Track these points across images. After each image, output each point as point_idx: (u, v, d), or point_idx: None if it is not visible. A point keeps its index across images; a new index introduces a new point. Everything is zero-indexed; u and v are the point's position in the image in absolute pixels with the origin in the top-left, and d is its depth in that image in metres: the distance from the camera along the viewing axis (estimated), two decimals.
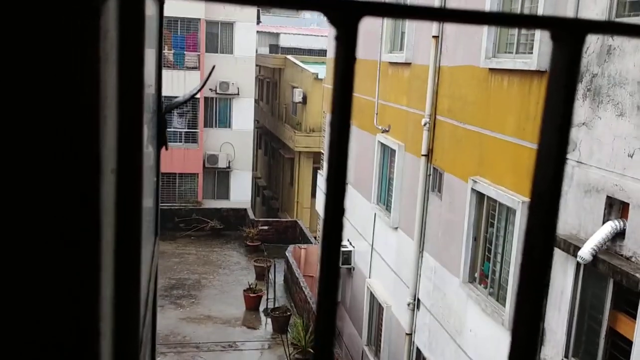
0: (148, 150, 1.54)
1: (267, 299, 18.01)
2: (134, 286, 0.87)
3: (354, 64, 0.40)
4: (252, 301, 18.16)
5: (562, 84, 0.45)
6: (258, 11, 27.90)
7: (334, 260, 0.44)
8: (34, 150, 0.52)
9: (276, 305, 17.73)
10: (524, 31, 8.24)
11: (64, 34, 0.50)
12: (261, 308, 18.21)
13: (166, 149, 1.90)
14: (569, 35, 0.44)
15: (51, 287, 0.55)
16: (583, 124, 6.79)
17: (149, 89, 1.59)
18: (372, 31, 13.70)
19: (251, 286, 18.44)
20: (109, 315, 0.72)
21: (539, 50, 7.50)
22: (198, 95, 25.89)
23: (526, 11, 8.18)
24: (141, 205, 0.89)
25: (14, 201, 0.53)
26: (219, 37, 26.93)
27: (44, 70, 0.50)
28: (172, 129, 26.32)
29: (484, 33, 8.80)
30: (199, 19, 26.00)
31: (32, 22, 0.49)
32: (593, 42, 6.64)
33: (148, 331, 1.54)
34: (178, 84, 25.37)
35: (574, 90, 0.46)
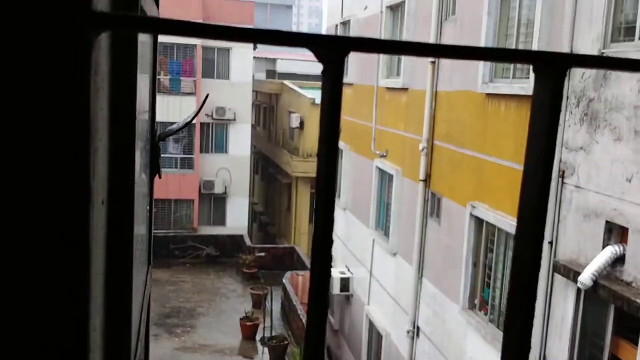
0: (141, 178, 1.50)
1: (264, 328, 17.80)
2: (125, 317, 0.85)
3: (341, 97, 0.40)
4: (249, 330, 17.94)
5: (545, 117, 0.46)
6: None
7: (324, 286, 0.45)
8: (23, 182, 0.52)
9: (273, 334, 17.51)
10: None
11: (55, 68, 0.51)
12: (258, 337, 17.98)
13: (159, 177, 1.85)
14: (551, 69, 0.45)
15: (39, 318, 0.55)
16: (581, 148, 6.78)
17: (143, 116, 1.56)
18: (368, 56, 13.78)
19: (247, 314, 18.24)
20: (99, 345, 0.70)
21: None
22: (194, 121, 25.93)
23: (522, 36, 8.23)
24: (132, 237, 0.88)
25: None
26: (215, 63, 27.09)
27: (35, 103, 0.51)
28: (167, 155, 26.31)
29: None
30: (195, 45, 26.18)
31: (25, 55, 0.50)
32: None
33: None
34: (174, 109, 25.43)
35: (557, 123, 0.46)
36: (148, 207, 1.80)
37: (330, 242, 0.44)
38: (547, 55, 0.46)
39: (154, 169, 1.81)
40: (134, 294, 1.01)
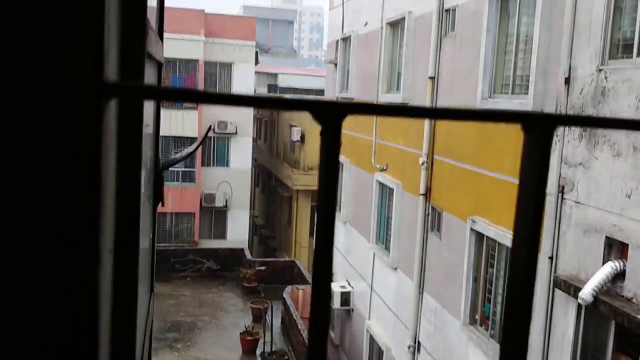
0: (144, 209, 1.53)
1: (264, 342, 17.72)
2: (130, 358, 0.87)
3: (338, 156, 0.44)
4: (249, 344, 17.87)
5: (534, 173, 0.48)
6: (256, 52, 28.29)
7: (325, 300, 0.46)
8: (39, 238, 0.55)
9: (273, 349, 17.43)
10: (519, 72, 8.34)
11: (68, 135, 0.53)
12: (258, 352, 17.90)
13: (162, 205, 1.88)
14: (539, 128, 0.48)
15: None
16: (580, 164, 6.80)
17: (147, 149, 1.59)
18: (369, 72, 13.87)
19: (248, 329, 18.17)
20: None
21: (535, 90, 7.57)
22: (196, 135, 26.02)
23: (521, 52, 8.29)
24: (137, 283, 0.91)
25: (11, 286, 0.55)
26: (217, 78, 27.23)
27: (49, 169, 0.54)
28: (169, 168, 26.34)
29: (480, 74, 8.90)
30: (198, 60, 26.33)
31: (41, 123, 0.53)
32: (587, 84, 6.70)
33: None
34: (176, 123, 25.52)
35: (545, 179, 0.49)
36: (151, 236, 1.82)
37: (330, 270, 0.47)
38: (535, 115, 0.49)
39: (157, 198, 1.84)
40: (137, 328, 1.04)
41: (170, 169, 26.46)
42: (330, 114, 0.42)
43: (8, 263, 0.54)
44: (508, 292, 0.51)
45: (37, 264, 0.55)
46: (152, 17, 1.74)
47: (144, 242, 1.53)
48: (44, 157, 0.53)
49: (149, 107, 1.59)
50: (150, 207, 1.73)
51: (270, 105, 0.43)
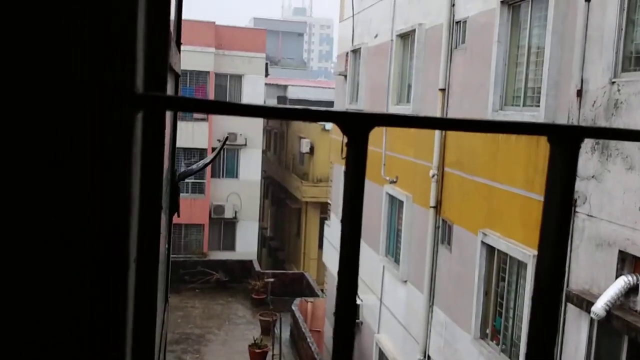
0: (163, 220, 1.52)
1: (273, 355, 17.64)
2: None
3: (365, 167, 0.44)
4: (258, 357, 17.78)
5: (560, 185, 0.48)
6: (266, 64, 28.42)
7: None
8: (73, 249, 0.56)
9: None
10: (530, 84, 8.30)
11: (100, 142, 0.55)
12: None
13: (178, 215, 1.87)
14: (565, 140, 0.48)
15: None
16: (592, 177, 6.74)
17: (165, 160, 1.60)
18: (379, 83, 13.87)
19: (256, 341, 18.10)
20: None
21: (546, 103, 7.53)
22: (206, 146, 26.11)
23: (532, 65, 8.25)
24: (156, 292, 0.91)
25: (48, 282, 0.55)
26: (227, 89, 27.36)
27: (81, 177, 0.55)
28: None
29: (491, 86, 8.87)
30: (208, 72, 26.48)
31: (75, 129, 0.54)
32: (600, 96, 6.65)
33: None
34: (186, 135, 25.62)
35: (572, 191, 0.48)
36: (167, 246, 1.82)
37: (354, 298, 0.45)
38: (562, 128, 0.48)
39: (174, 208, 1.83)
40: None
41: None
42: (357, 126, 0.42)
43: (41, 274, 0.55)
44: (533, 306, 0.49)
45: (71, 274, 0.55)
46: (171, 28, 1.75)
47: (162, 254, 1.52)
48: (78, 167, 0.54)
49: (167, 118, 1.58)
50: (167, 218, 1.73)
51: (297, 116, 0.43)
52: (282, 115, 0.41)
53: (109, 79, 0.54)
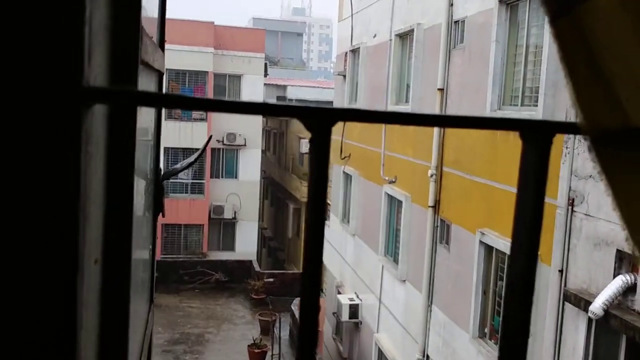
0: (144, 219, 1.51)
1: (272, 355, 17.65)
2: None
3: (328, 163, 0.43)
4: (257, 357, 17.79)
5: (532, 181, 0.47)
6: (265, 64, 28.42)
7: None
8: (13, 245, 0.54)
9: None
10: (528, 83, 8.31)
11: (46, 141, 0.53)
12: None
13: (163, 216, 1.87)
14: (537, 136, 0.48)
15: None
16: (590, 176, 6.75)
17: (147, 158, 1.58)
18: (378, 83, 13.88)
19: (256, 341, 18.11)
20: None
21: (544, 102, 7.53)
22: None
23: (530, 64, 8.26)
24: (129, 295, 0.90)
25: None
26: (226, 89, 27.36)
27: (26, 174, 0.53)
28: (178, 180, 26.44)
29: (489, 85, 8.88)
30: (207, 72, 26.48)
31: (19, 128, 0.52)
32: None
33: None
34: (185, 135, 25.62)
35: (544, 186, 0.48)
36: (151, 247, 1.82)
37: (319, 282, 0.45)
38: (533, 123, 0.48)
39: (158, 208, 1.83)
40: (130, 341, 1.02)
41: (179, 180, 26.56)
42: (320, 121, 0.41)
43: None
44: (505, 302, 0.49)
45: (13, 273, 0.54)
46: (152, 27, 1.75)
47: (143, 253, 1.52)
48: (19, 161, 0.53)
49: (148, 117, 1.58)
50: (150, 218, 1.72)
51: (258, 111, 0.42)
52: (240, 110, 0.41)
53: (51, 70, 0.52)
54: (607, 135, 0.44)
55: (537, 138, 0.48)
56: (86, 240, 0.61)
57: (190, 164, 2.73)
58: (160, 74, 1.82)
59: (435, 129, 10.59)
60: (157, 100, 0.42)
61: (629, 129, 0.42)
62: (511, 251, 0.49)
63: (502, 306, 0.50)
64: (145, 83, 1.40)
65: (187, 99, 0.43)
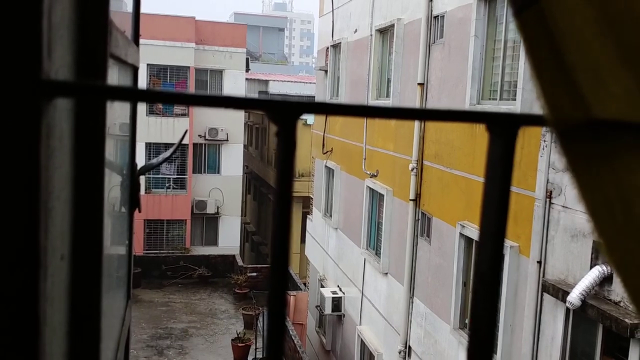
0: (119, 214, 1.53)
1: (256, 349, 17.69)
2: None
3: (294, 155, 0.43)
4: (241, 351, 17.81)
5: (498, 173, 0.48)
6: (247, 59, 28.31)
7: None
8: None
9: (265, 355, 17.37)
10: (507, 78, 8.41)
11: (1, 132, 0.51)
12: (250, 358, 17.85)
13: (139, 211, 1.89)
14: (502, 128, 0.47)
15: None
16: (567, 169, 6.86)
17: (122, 152, 1.60)
18: (359, 78, 13.93)
19: (239, 335, 18.12)
20: None
21: (522, 96, 7.64)
22: (187, 142, 25.99)
23: (509, 59, 8.36)
24: (100, 287, 0.89)
25: None
26: (208, 85, 27.21)
27: None
28: (160, 175, 26.30)
29: (468, 80, 8.97)
30: (189, 67, 26.32)
31: None
32: None
33: None
34: (167, 130, 25.47)
35: (509, 179, 0.48)
36: (127, 242, 1.83)
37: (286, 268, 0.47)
38: (499, 115, 0.48)
39: (134, 203, 1.84)
40: (105, 338, 1.01)
41: (162, 176, 26.41)
42: (285, 114, 0.42)
43: None
44: (473, 291, 0.50)
45: None
46: (125, 22, 1.75)
47: (118, 248, 1.53)
48: None
49: (123, 111, 1.60)
50: (126, 213, 1.74)
51: (223, 104, 0.43)
52: (206, 103, 0.41)
53: (9, 65, 0.50)
54: (571, 128, 0.44)
55: (503, 130, 0.48)
56: (49, 235, 0.60)
57: (166, 159, 2.74)
58: (134, 69, 1.83)
59: (416, 124, 10.68)
60: (121, 94, 0.42)
61: (591, 121, 0.42)
62: (479, 240, 0.49)
63: (472, 294, 0.51)
64: (118, 78, 1.40)
65: (153, 93, 0.43)
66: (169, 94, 0.44)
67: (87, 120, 0.78)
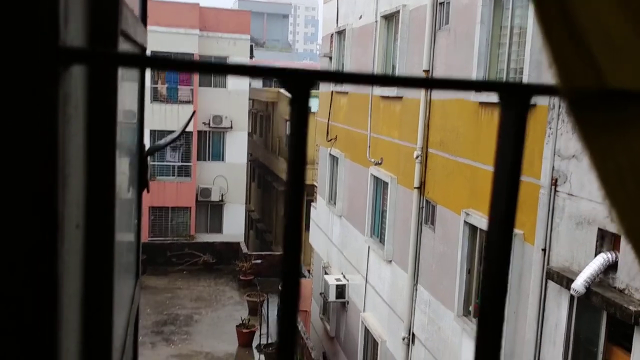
0: (128, 193, 1.53)
1: (261, 335, 17.78)
2: (105, 339, 0.86)
3: (307, 124, 0.43)
4: (245, 337, 17.92)
5: (510, 144, 0.47)
6: (251, 46, 28.21)
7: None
8: None
9: (270, 341, 17.50)
10: (513, 64, 8.36)
11: (20, 101, 0.52)
12: (254, 344, 17.96)
13: (147, 191, 1.89)
14: (515, 98, 0.47)
15: (7, 347, 0.56)
16: (573, 156, 6.84)
17: (130, 131, 1.59)
18: (364, 65, 13.86)
19: (244, 321, 18.22)
20: None
21: (528, 82, 7.57)
22: (191, 129, 25.98)
23: (514, 45, 8.30)
24: (113, 258, 0.90)
25: None
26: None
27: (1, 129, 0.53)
28: (165, 163, 26.33)
29: (474, 66, 8.91)
30: (193, 54, 26.25)
31: None
32: None
33: None
34: (172, 117, 25.47)
35: (522, 150, 0.48)
36: (136, 221, 1.83)
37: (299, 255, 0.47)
38: (511, 85, 0.48)
39: (142, 183, 1.85)
40: (116, 314, 1.02)
41: (166, 163, 26.44)
42: (298, 82, 0.42)
43: None
44: (484, 271, 0.49)
45: None
46: (134, 2, 1.75)
47: (128, 227, 1.53)
48: None
49: (132, 93, 1.59)
50: (135, 192, 1.74)
51: (236, 72, 0.43)
52: (218, 71, 0.41)
53: (28, 31, 0.51)
54: (583, 97, 0.43)
55: (515, 100, 0.47)
56: (66, 203, 0.60)
57: (174, 139, 2.74)
58: (142, 49, 1.83)
59: (421, 111, 10.64)
60: (134, 61, 0.42)
61: (603, 89, 0.42)
62: (489, 217, 0.49)
63: (482, 275, 0.50)
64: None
65: (164, 60, 0.43)
66: (180, 61, 0.44)
67: (100, 88, 0.78)
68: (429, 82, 0.49)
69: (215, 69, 0.43)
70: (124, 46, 1.20)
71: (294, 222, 0.43)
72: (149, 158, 2.02)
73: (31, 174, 0.54)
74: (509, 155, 0.48)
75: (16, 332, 0.55)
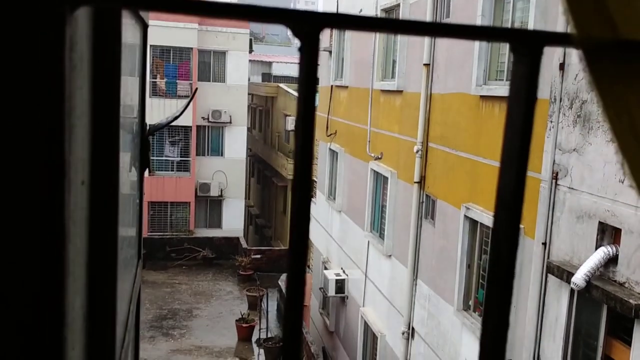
0: (131, 172, 1.52)
1: (260, 329, 17.80)
2: (109, 300, 0.85)
3: (316, 71, 0.42)
4: (245, 331, 17.94)
5: (523, 94, 0.46)
6: (250, 40, 28.14)
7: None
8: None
9: (269, 336, 17.52)
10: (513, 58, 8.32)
11: (26, 43, 0.51)
12: (254, 338, 17.97)
13: (149, 172, 1.88)
14: (527, 47, 0.46)
15: (12, 303, 0.55)
16: (574, 150, 6.82)
17: (132, 111, 1.58)
18: (364, 59, 13.83)
19: (244, 316, 18.24)
20: (79, 328, 0.70)
21: None
22: (190, 124, 25.93)
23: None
24: (117, 217, 0.89)
25: None
26: (211, 66, 27.10)
27: (4, 76, 0.52)
28: (164, 158, 26.30)
29: (474, 61, 8.89)
30: (191, 48, 26.19)
31: None
32: (582, 70, 6.71)
33: (128, 353, 1.50)
34: (171, 112, 25.37)
35: (534, 100, 0.47)
36: (138, 201, 1.82)
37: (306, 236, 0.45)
38: (523, 32, 0.47)
39: (144, 162, 1.84)
40: (122, 282, 1.02)
41: (165, 158, 26.40)
42: (308, 25, 0.40)
43: None
44: (492, 245, 0.48)
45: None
46: None
47: (131, 205, 1.52)
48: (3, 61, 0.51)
49: (133, 81, 1.58)
50: (137, 171, 1.73)
51: (243, 15, 0.41)
52: (223, 14, 0.40)
53: None
54: (598, 47, 0.43)
55: (528, 48, 0.46)
56: (72, 158, 0.59)
57: (175, 117, 2.74)
58: (145, 26, 1.81)
59: (421, 105, 10.61)
60: (139, 2, 0.41)
61: (618, 41, 0.41)
62: (501, 164, 0.48)
63: (489, 252, 0.49)
64: (132, 32, 1.38)
65: (175, 2, 0.41)
66: (184, 2, 0.42)
67: (104, 33, 0.77)
68: (435, 27, 0.48)
69: (218, 11, 0.41)
70: (128, 19, 1.19)
71: (304, 171, 0.41)
72: (150, 138, 2.01)
73: (38, 118, 0.53)
74: (521, 103, 0.47)
75: (20, 289, 0.54)
